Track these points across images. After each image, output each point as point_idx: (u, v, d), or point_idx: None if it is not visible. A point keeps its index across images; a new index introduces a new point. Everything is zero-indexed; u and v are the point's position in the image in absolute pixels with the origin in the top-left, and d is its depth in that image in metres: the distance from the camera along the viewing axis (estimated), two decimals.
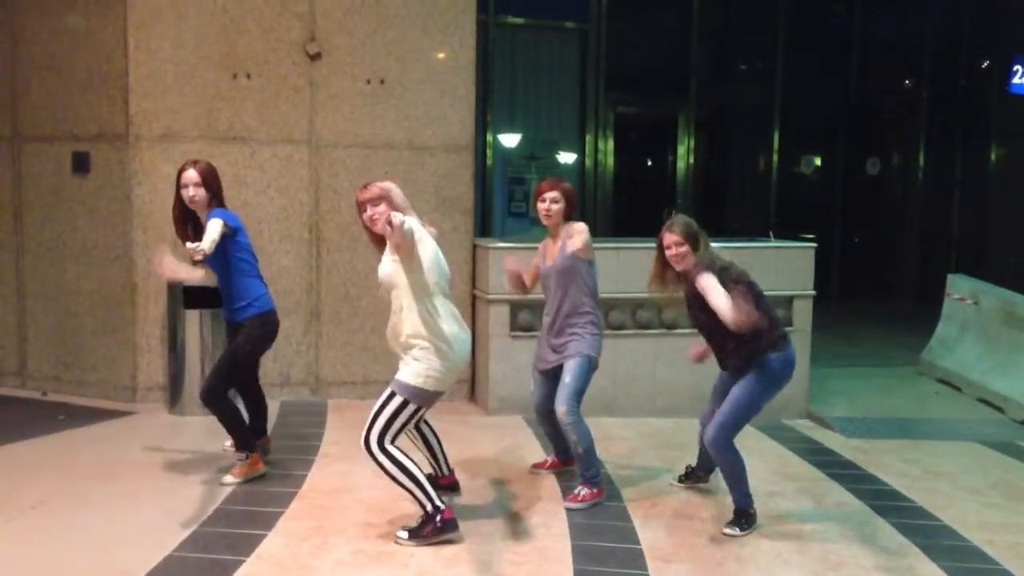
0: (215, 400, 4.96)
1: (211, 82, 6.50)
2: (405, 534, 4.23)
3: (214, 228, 4.67)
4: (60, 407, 6.47)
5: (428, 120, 6.81)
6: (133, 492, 4.82)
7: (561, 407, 4.76)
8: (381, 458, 4.16)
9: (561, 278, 4.92)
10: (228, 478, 4.97)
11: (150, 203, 6.46)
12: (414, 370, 4.19)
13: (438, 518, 4.19)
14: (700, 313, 4.51)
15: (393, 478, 4.17)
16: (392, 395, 4.19)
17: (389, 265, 4.24)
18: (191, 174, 4.85)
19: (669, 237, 4.49)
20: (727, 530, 4.48)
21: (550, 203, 4.93)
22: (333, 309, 6.83)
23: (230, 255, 4.89)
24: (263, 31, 6.55)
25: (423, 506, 4.20)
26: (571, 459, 5.14)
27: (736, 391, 4.50)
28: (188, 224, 4.96)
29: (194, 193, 4.84)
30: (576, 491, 4.83)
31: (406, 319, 4.20)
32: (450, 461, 4.92)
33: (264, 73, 6.58)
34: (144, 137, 6.44)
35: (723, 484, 5.17)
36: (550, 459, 5.43)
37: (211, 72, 6.49)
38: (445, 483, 4.84)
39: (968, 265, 10.78)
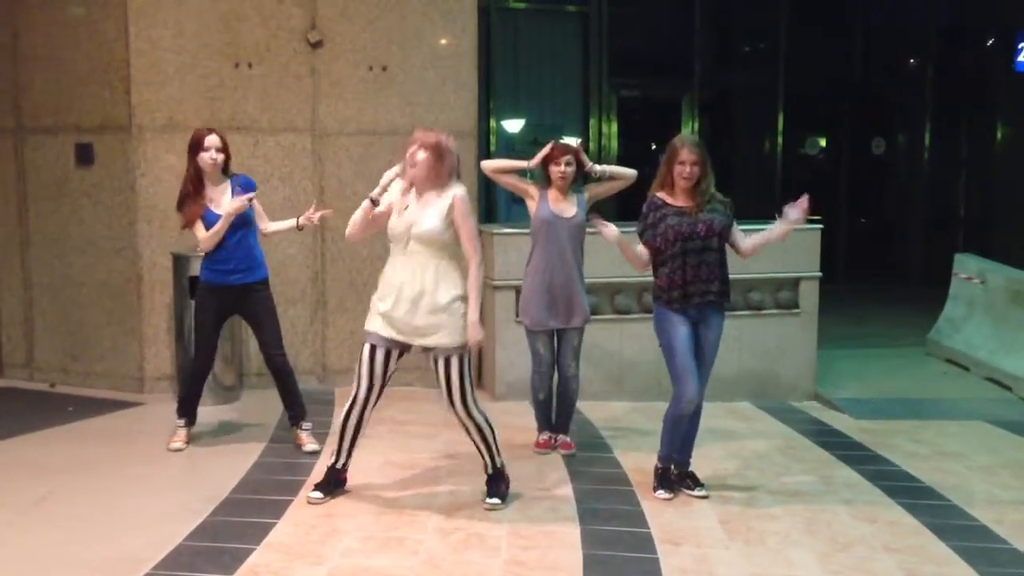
0: None
1: (213, 71, 6.48)
2: (497, 500, 4.47)
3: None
4: (69, 399, 6.48)
5: (431, 107, 6.79)
6: (143, 482, 4.84)
7: (575, 364, 5.26)
8: (479, 420, 4.43)
9: (576, 231, 5.20)
10: (312, 446, 5.30)
11: (154, 194, 6.46)
12: (458, 326, 4.32)
13: (505, 471, 4.57)
14: (712, 241, 4.59)
15: (483, 437, 4.46)
16: (452, 360, 4.33)
17: (436, 221, 4.29)
18: (215, 139, 5.09)
19: (687, 154, 4.50)
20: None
21: (564, 166, 5.17)
22: (339, 297, 6.83)
23: (250, 217, 5.24)
24: (264, 19, 6.53)
25: (497, 462, 4.52)
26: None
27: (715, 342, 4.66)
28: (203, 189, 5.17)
29: (217, 156, 5.08)
30: (569, 439, 5.38)
31: (443, 278, 4.29)
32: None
33: (266, 62, 6.56)
34: (147, 128, 6.43)
35: (730, 470, 5.18)
36: (546, 435, 5.46)
37: (213, 61, 6.48)
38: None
39: (975, 245, 10.73)
